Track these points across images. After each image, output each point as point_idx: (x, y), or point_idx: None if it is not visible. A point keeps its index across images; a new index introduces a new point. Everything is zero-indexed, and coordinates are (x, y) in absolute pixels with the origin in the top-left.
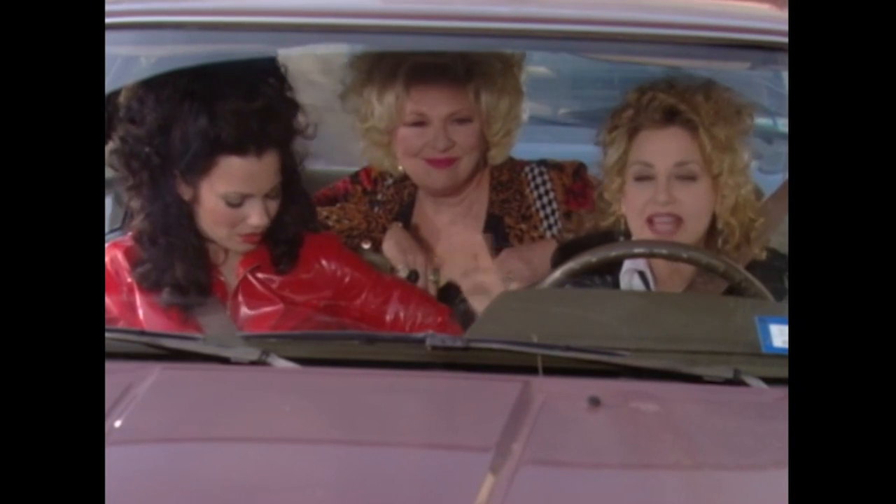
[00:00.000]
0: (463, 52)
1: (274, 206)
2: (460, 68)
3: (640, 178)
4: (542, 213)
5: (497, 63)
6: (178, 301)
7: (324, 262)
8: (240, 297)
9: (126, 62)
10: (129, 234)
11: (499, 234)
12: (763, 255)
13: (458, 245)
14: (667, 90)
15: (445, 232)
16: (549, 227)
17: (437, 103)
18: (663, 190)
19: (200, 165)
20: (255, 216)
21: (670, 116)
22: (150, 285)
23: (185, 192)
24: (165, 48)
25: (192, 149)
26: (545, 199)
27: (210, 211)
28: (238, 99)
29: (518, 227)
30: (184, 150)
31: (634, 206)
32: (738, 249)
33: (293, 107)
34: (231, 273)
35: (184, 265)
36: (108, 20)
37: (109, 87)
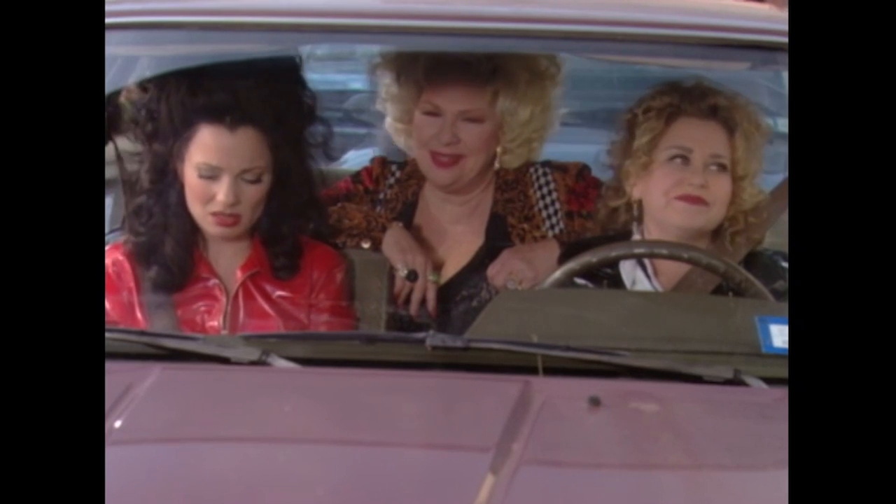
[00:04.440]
0: (489, 54)
1: (251, 191)
2: (484, 68)
3: (675, 159)
4: (544, 214)
5: (523, 72)
6: (164, 282)
7: (315, 274)
8: (240, 302)
9: (126, 62)
10: (132, 209)
11: (501, 233)
12: (757, 249)
13: (459, 244)
14: (709, 88)
15: (448, 231)
16: (552, 227)
17: (451, 98)
18: (699, 173)
19: (183, 135)
20: (221, 193)
21: (713, 111)
22: (139, 259)
23: (179, 167)
24: (165, 48)
25: (176, 117)
26: (548, 200)
27: (188, 185)
28: (224, 73)
29: (520, 227)
30: (169, 120)
31: (661, 186)
32: (740, 239)
33: (290, 96)
34: (230, 277)
35: (174, 245)
36: (108, 20)
37: (109, 87)
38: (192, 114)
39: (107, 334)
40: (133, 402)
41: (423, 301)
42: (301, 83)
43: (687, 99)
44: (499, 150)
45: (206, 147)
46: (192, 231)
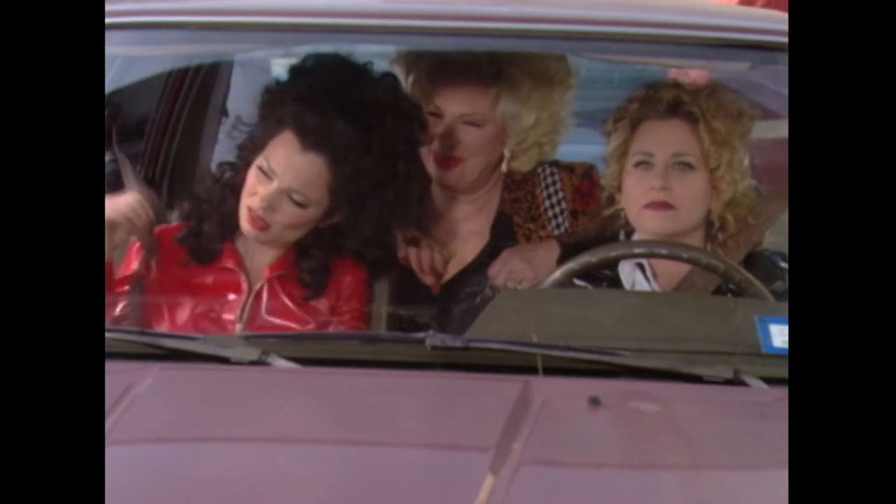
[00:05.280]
0: (493, 57)
1: (290, 212)
2: (487, 72)
3: (639, 165)
4: (550, 213)
5: (527, 76)
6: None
7: (344, 281)
8: (262, 298)
9: (126, 62)
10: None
11: (506, 232)
12: (757, 250)
13: (465, 242)
14: (673, 86)
15: (455, 229)
16: (557, 226)
17: (453, 100)
18: (660, 177)
19: (269, 130)
20: (259, 195)
21: (673, 108)
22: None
23: (252, 157)
24: (165, 48)
25: (273, 113)
26: (554, 199)
27: (248, 174)
28: (329, 100)
29: (526, 227)
30: (269, 115)
31: (632, 194)
32: (734, 242)
33: (379, 137)
34: (256, 273)
35: (215, 223)
36: (108, 20)
37: (109, 87)
38: (283, 118)
39: (107, 334)
40: (133, 402)
41: (433, 269)
42: (411, 152)
43: (648, 102)
44: (506, 153)
45: (275, 151)
46: (236, 221)
